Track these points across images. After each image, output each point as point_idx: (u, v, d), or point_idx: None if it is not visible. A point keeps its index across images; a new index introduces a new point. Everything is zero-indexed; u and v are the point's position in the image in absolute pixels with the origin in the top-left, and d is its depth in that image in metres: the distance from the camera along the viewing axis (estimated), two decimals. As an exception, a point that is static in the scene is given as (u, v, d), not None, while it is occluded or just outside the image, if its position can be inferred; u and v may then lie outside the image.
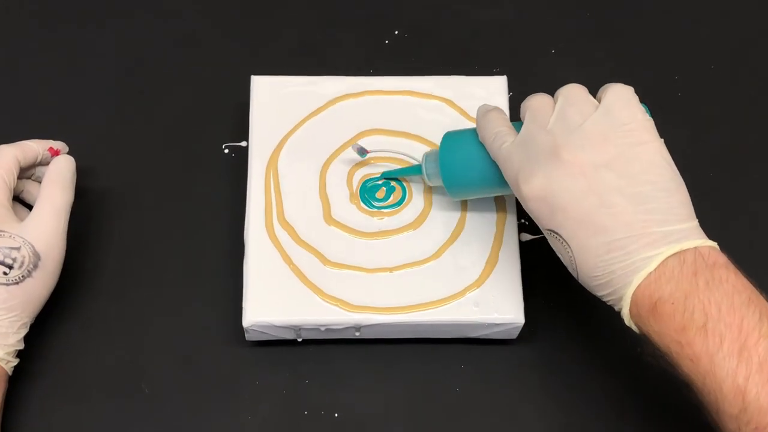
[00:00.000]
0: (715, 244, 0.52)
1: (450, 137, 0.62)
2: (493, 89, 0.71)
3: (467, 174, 0.61)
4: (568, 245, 0.53)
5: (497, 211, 0.66)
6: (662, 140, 0.54)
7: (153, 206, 0.71)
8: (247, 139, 0.70)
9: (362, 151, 0.65)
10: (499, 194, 0.63)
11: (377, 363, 0.66)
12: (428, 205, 0.67)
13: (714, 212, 0.71)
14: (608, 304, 0.54)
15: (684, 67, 0.78)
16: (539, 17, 0.80)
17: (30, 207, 0.65)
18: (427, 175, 0.64)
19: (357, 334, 0.64)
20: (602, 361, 0.66)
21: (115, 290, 0.68)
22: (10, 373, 0.61)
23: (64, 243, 0.62)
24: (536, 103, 0.57)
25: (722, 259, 0.51)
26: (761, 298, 0.50)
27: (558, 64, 0.78)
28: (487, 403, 0.65)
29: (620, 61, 0.78)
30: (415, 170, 0.65)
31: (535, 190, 0.53)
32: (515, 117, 0.72)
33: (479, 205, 0.67)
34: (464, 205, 0.67)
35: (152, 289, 0.68)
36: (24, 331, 0.61)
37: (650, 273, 0.50)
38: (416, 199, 0.67)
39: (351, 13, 0.79)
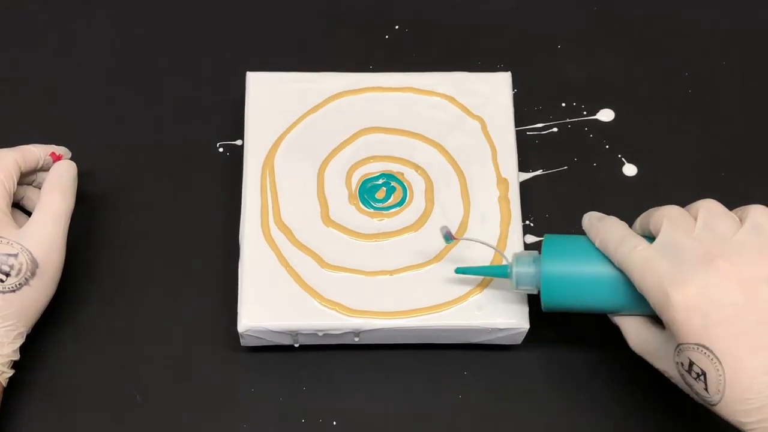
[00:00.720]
0: None
1: (554, 239, 0.59)
2: (497, 86, 0.71)
3: (576, 282, 0.57)
4: (720, 363, 0.50)
5: (501, 211, 0.66)
6: None
7: (144, 207, 0.71)
8: (242, 138, 0.70)
9: (449, 236, 0.60)
10: (610, 312, 0.59)
11: (377, 369, 0.66)
12: (430, 206, 0.67)
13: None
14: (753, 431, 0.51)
15: (695, 62, 0.78)
16: (545, 11, 0.80)
17: (30, 214, 0.64)
18: (516, 279, 0.59)
19: (356, 339, 0.64)
20: (609, 368, 0.66)
21: (106, 295, 0.68)
22: (5, 385, 0.61)
23: (63, 250, 0.62)
24: (674, 213, 0.55)
25: None
26: None
27: (564, 59, 0.78)
28: (490, 411, 0.65)
29: (629, 57, 0.78)
30: (498, 272, 0.61)
31: (689, 297, 0.51)
32: (518, 116, 0.72)
33: (483, 206, 0.66)
34: (467, 207, 0.66)
35: (144, 294, 0.68)
36: (20, 341, 0.61)
37: None
38: (417, 200, 0.67)
39: (350, 7, 0.79)
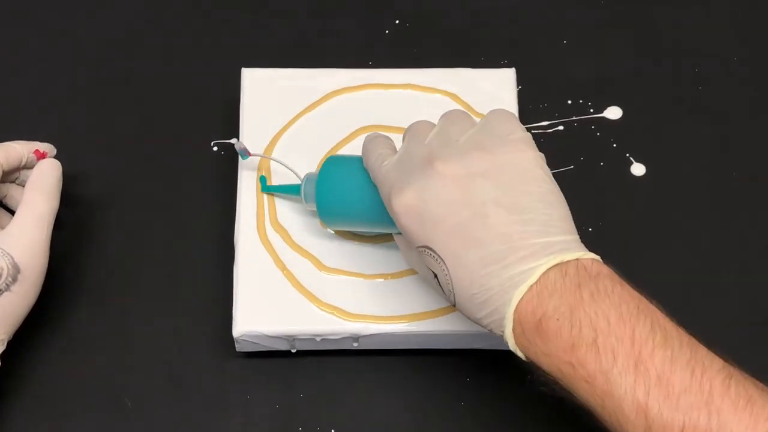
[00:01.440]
0: (597, 256, 0.51)
1: (333, 160, 0.62)
2: (501, 82, 0.71)
3: (345, 200, 0.60)
4: (443, 261, 0.52)
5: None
6: (543, 155, 0.54)
7: (135, 209, 0.71)
8: (237, 136, 0.70)
9: (244, 153, 0.64)
10: (380, 230, 0.62)
11: (377, 376, 0.66)
12: (431, 207, 0.66)
13: (737, 213, 0.71)
14: (491, 329, 0.53)
15: (706, 58, 0.78)
16: (550, 5, 0.80)
17: (14, 213, 0.64)
18: (304, 196, 0.63)
19: (355, 344, 0.64)
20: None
21: (96, 299, 0.67)
22: None
23: (46, 254, 0.62)
24: (417, 125, 0.57)
25: (606, 269, 0.50)
26: (651, 307, 0.49)
27: (570, 55, 0.78)
28: (494, 419, 0.65)
29: (637, 52, 0.78)
30: (295, 190, 0.64)
31: (407, 202, 0.53)
32: (523, 114, 0.72)
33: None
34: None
35: (135, 298, 0.68)
36: (0, 349, 0.60)
37: (531, 286, 0.49)
38: (418, 201, 0.67)
39: (349, 0, 0.79)
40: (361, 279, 0.64)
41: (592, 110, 0.75)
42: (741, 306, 0.68)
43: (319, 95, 0.70)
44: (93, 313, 0.67)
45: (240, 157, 0.65)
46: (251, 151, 0.64)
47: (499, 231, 0.51)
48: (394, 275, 0.64)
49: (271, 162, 0.67)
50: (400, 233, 0.57)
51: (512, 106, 0.70)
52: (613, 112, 0.75)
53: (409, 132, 0.57)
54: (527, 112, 0.74)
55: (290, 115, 0.69)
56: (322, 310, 0.63)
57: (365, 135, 0.61)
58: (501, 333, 0.52)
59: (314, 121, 0.69)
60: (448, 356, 0.66)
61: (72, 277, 0.68)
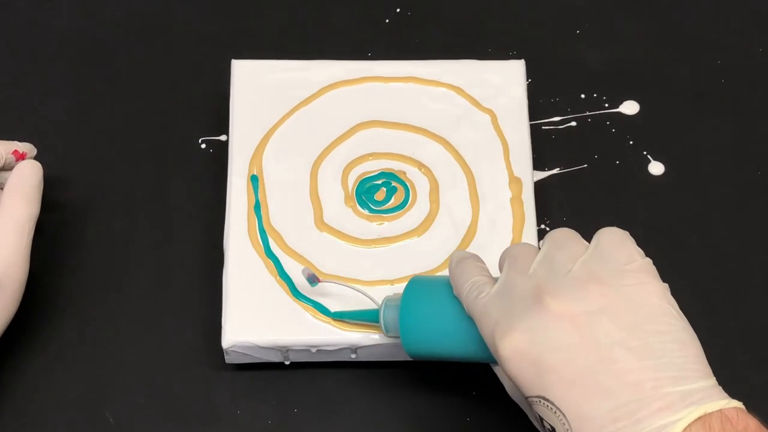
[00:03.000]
0: (740, 403, 0.47)
1: (416, 284, 0.59)
2: (509, 75, 0.71)
3: (433, 331, 0.57)
4: (563, 415, 0.48)
5: (514, 214, 0.66)
6: (667, 285, 0.51)
7: (118, 212, 0.71)
8: (226, 133, 0.70)
9: (313, 279, 0.61)
10: (473, 361, 0.58)
11: (377, 389, 0.66)
12: (435, 209, 0.67)
13: (762, 214, 0.71)
14: None
15: (729, 49, 0.78)
16: (562, -8, 0.80)
17: None
18: (384, 325, 0.60)
19: (353, 356, 0.64)
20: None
21: (75, 308, 0.67)
22: None
23: (26, 263, 0.61)
24: (517, 250, 0.54)
25: (753, 423, 0.46)
26: None
27: (583, 46, 0.78)
28: (502, 436, 0.65)
29: (654, 44, 0.78)
30: (371, 316, 0.61)
31: (516, 346, 0.49)
32: (533, 109, 0.72)
33: (493, 208, 0.66)
34: (476, 209, 0.66)
35: (118, 308, 0.67)
36: None
37: None
38: (421, 202, 0.67)
39: (346, -13, 0.79)
40: (360, 286, 0.64)
41: (606, 105, 0.75)
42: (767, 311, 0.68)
43: (314, 89, 0.70)
44: (73, 323, 0.67)
45: (309, 284, 0.62)
46: (319, 278, 0.62)
47: (628, 378, 0.47)
48: (394, 281, 0.64)
49: (264, 162, 0.67)
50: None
51: (521, 101, 0.70)
52: (630, 107, 0.75)
53: (508, 258, 0.54)
54: (537, 107, 0.74)
55: (283, 110, 0.69)
56: (317, 319, 0.63)
57: (452, 253, 0.58)
58: None
59: (309, 117, 0.69)
60: (454, 368, 0.66)
61: (51, 285, 0.68)
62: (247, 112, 0.69)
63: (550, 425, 0.49)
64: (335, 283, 0.63)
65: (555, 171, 0.73)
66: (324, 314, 0.63)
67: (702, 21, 0.79)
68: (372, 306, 0.61)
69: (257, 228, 0.66)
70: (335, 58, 0.71)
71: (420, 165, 0.68)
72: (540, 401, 0.49)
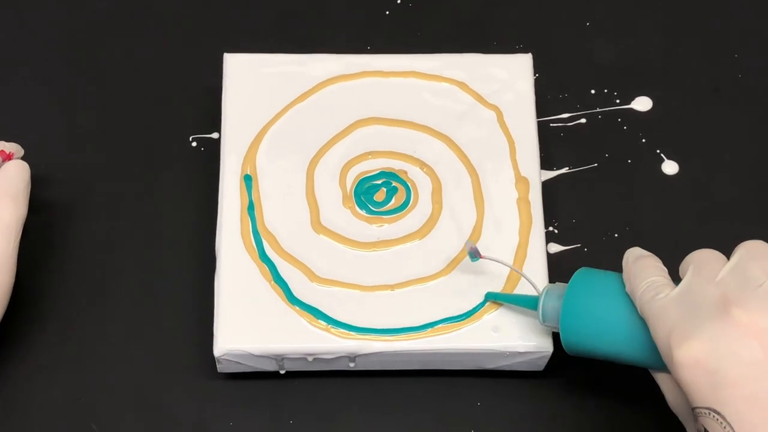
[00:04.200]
0: None
1: (585, 275, 0.59)
2: (516, 69, 0.71)
3: (597, 327, 0.57)
4: (733, 430, 0.48)
5: (520, 216, 0.66)
6: None
7: (105, 214, 0.71)
8: (219, 131, 0.70)
9: (475, 254, 0.62)
10: (634, 364, 0.58)
11: (376, 400, 0.66)
12: (437, 210, 0.67)
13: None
14: None
15: (746, 42, 0.78)
16: (571, -17, 0.80)
17: None
18: (542, 314, 0.60)
19: (351, 365, 0.64)
20: (643, 398, 0.65)
21: (60, 314, 0.67)
22: None
23: (13, 268, 0.61)
24: (705, 256, 0.54)
25: None
26: None
27: (593, 39, 0.78)
28: (508, 448, 0.65)
29: (668, 37, 0.78)
30: (529, 303, 0.62)
31: (694, 354, 0.49)
32: (541, 105, 0.72)
33: (498, 211, 0.66)
34: (481, 211, 0.66)
35: (104, 312, 0.68)
36: None
37: None
38: (423, 203, 0.67)
39: (345, -23, 0.79)
40: (359, 291, 0.64)
41: (618, 101, 0.75)
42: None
43: (310, 84, 0.70)
44: (58, 330, 0.67)
45: (469, 259, 0.62)
46: (481, 253, 0.62)
47: None
48: (395, 286, 0.64)
49: (258, 161, 0.67)
50: (664, 371, 0.55)
51: (528, 97, 0.70)
52: (642, 103, 0.75)
53: (693, 263, 0.54)
54: (545, 103, 0.74)
55: (278, 106, 0.69)
56: (314, 326, 0.63)
57: (628, 250, 0.58)
58: None
59: (305, 114, 0.69)
60: (456, 378, 0.66)
61: (35, 290, 0.68)
62: (240, 109, 0.69)
63: None
64: (497, 261, 0.63)
65: (564, 170, 0.73)
66: (321, 320, 0.63)
67: (718, 12, 0.79)
68: (532, 292, 0.62)
69: (251, 230, 0.66)
70: (333, 52, 0.71)
71: (422, 164, 0.68)
72: (710, 413, 0.49)
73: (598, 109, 0.75)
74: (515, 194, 0.67)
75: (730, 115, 0.75)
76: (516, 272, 0.63)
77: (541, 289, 0.61)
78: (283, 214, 0.66)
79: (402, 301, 0.64)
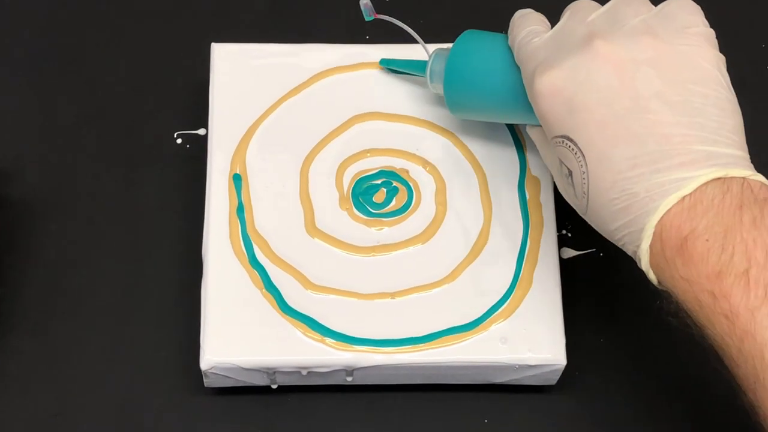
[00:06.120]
0: (767, 180, 0.52)
1: (471, 35, 0.64)
2: (525, 60, 0.71)
3: (477, 82, 0.62)
4: (583, 156, 0.53)
5: (531, 219, 0.66)
6: (723, 57, 0.55)
7: (82, 214, 0.71)
8: (206, 126, 0.70)
9: (370, 12, 0.66)
10: (514, 121, 0.65)
11: (375, 416, 0.66)
12: (441, 212, 0.67)
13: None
14: (622, 245, 0.54)
15: (773, 32, 0.78)
16: (584, -33, 0.80)
17: None
18: (430, 75, 0.66)
19: (349, 379, 0.64)
20: (661, 414, 0.66)
21: (35, 325, 0.67)
22: None
23: None
24: (581, 3, 0.58)
25: None
26: None
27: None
28: (517, 469, 0.65)
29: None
30: (418, 67, 0.67)
31: (553, 81, 0.54)
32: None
33: (507, 213, 0.66)
34: (488, 213, 0.66)
35: (83, 322, 0.68)
36: None
37: (684, 198, 0.50)
38: (426, 204, 0.67)
39: (341, -39, 0.79)
40: (356, 299, 0.64)
41: (635, 94, 0.75)
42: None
43: (304, 76, 0.70)
44: (31, 342, 0.67)
45: (364, 17, 0.67)
46: (376, 13, 0.67)
47: (658, 130, 0.52)
48: (395, 294, 0.64)
49: (248, 159, 0.67)
50: (536, 125, 0.58)
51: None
52: (662, 97, 0.75)
53: (570, 8, 0.58)
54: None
55: (270, 100, 0.69)
56: (308, 337, 0.63)
57: (516, 13, 0.62)
58: (635, 249, 0.53)
59: (299, 108, 0.69)
60: (462, 393, 0.66)
61: (4, 299, 0.68)
62: (229, 103, 0.69)
63: (568, 168, 0.54)
64: (391, 20, 0.67)
65: (577, 169, 0.73)
66: (316, 331, 0.63)
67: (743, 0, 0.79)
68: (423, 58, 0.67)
69: (240, 234, 0.66)
70: (328, 41, 0.71)
71: (424, 162, 0.68)
72: (563, 141, 0.54)
73: (614, 103, 0.75)
74: (525, 195, 0.67)
75: (757, 111, 0.75)
76: (414, 38, 0.67)
77: (431, 52, 0.66)
78: (275, 217, 0.66)
79: (403, 310, 0.64)
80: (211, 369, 0.62)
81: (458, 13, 0.78)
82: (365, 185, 0.67)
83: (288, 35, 0.72)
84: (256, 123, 0.69)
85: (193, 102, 0.73)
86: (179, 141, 0.73)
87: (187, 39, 0.75)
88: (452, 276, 0.65)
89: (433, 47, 0.66)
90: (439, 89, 0.65)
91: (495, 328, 0.63)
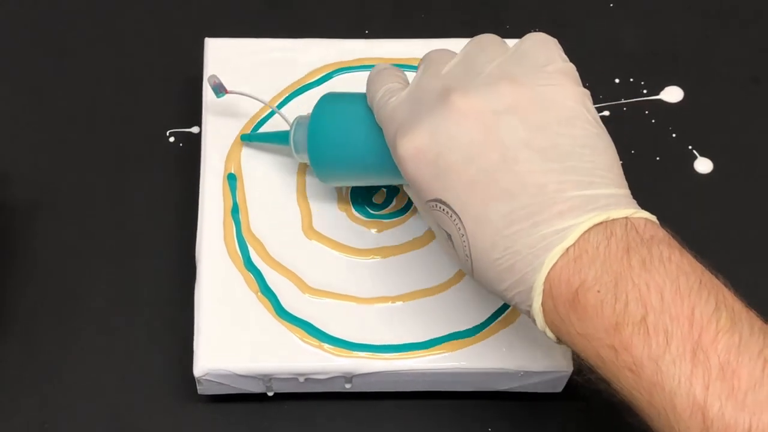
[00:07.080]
0: (652, 216, 0.51)
1: (328, 99, 0.62)
2: (531, 56, 0.71)
3: (342, 148, 0.61)
4: (459, 218, 0.52)
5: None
6: (588, 92, 0.54)
7: (72, 215, 0.71)
8: (199, 124, 0.70)
9: (220, 89, 0.65)
10: (389, 183, 0.63)
11: (374, 424, 0.66)
12: (443, 213, 0.67)
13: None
14: (515, 305, 0.52)
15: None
16: (592, -41, 0.80)
17: None
18: (294, 145, 0.64)
19: (348, 386, 0.64)
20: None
21: (21, 329, 0.67)
22: None
23: None
24: (435, 54, 0.58)
25: (662, 233, 0.50)
26: (716, 282, 0.49)
27: (617, 22, 0.78)
28: (522, 479, 0.65)
29: (701, 20, 0.78)
30: (281, 138, 0.65)
31: (414, 144, 0.53)
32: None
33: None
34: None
35: (73, 327, 0.67)
36: None
37: (568, 249, 0.49)
38: (427, 205, 0.67)
39: (341, -47, 0.79)
40: (355, 304, 0.64)
41: (645, 91, 0.75)
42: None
43: (302, 72, 0.70)
44: (19, 347, 0.67)
45: (215, 96, 0.65)
46: (227, 88, 0.65)
47: (530, 180, 0.50)
48: (396, 298, 0.64)
49: (243, 158, 0.67)
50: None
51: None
52: (672, 94, 0.75)
53: (424, 62, 0.58)
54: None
55: (266, 97, 0.69)
56: (305, 342, 0.63)
57: (372, 70, 0.61)
58: (527, 309, 0.51)
59: (296, 105, 0.69)
60: (465, 400, 0.66)
61: (-7, 301, 0.68)
62: (223, 100, 0.69)
63: (447, 232, 0.53)
64: (247, 96, 0.66)
65: (584, 168, 0.73)
66: (313, 336, 0.63)
67: (756, -7, 0.79)
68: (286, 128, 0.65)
69: (235, 235, 0.66)
70: (327, 36, 0.71)
71: (426, 162, 0.68)
72: (437, 205, 0.53)
73: (623, 101, 0.75)
74: (530, 195, 0.67)
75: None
76: (261, 102, 0.67)
77: (292, 121, 0.64)
78: (270, 218, 0.66)
79: (404, 315, 0.64)
80: (204, 375, 0.62)
81: (458, 6, 0.78)
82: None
83: (284, 30, 0.72)
84: (251, 121, 0.69)
85: (187, 99, 0.73)
86: (172, 139, 0.73)
87: (180, 33, 0.76)
88: (454, 280, 0.65)
89: (294, 116, 0.65)
90: (306, 159, 0.63)
91: (499, 334, 0.63)
